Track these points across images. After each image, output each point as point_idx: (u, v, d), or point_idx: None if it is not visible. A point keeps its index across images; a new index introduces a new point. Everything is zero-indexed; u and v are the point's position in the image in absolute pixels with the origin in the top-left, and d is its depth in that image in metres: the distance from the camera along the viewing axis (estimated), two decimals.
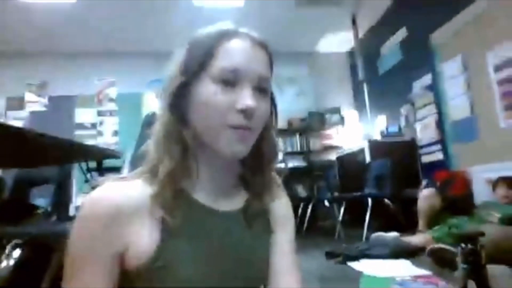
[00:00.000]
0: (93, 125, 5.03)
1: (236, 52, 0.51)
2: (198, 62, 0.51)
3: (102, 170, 1.85)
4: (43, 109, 4.93)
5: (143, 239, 0.48)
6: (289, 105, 5.44)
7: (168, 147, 0.51)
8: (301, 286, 0.62)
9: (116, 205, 0.47)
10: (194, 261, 0.50)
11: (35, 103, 4.93)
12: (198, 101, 0.51)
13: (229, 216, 0.56)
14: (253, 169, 0.59)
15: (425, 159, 3.74)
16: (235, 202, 0.58)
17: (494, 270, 1.39)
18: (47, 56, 4.96)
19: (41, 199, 3.26)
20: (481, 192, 2.86)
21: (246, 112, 0.50)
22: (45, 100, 4.96)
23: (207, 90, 0.50)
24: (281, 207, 0.63)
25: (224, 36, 0.52)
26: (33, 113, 4.89)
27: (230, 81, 0.50)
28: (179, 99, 0.52)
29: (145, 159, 0.54)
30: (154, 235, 0.48)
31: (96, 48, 5.01)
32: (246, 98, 0.50)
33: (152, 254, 0.47)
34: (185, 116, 0.53)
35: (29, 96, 4.93)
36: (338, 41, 5.40)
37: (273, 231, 0.62)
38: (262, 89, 0.53)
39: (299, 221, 4.08)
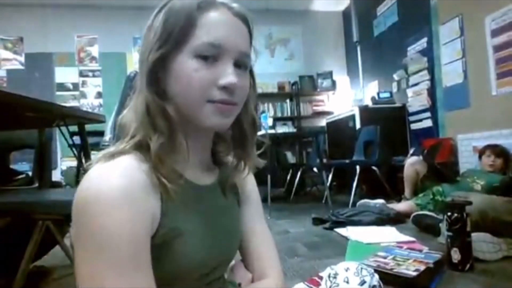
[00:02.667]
0: (75, 86, 4.81)
1: (217, 25, 0.49)
2: (178, 34, 0.48)
3: (84, 135, 1.76)
4: (20, 67, 4.66)
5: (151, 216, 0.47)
6: (280, 68, 5.30)
7: (154, 123, 0.49)
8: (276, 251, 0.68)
9: (130, 183, 0.44)
10: (192, 237, 0.51)
11: (11, 61, 4.64)
12: (178, 76, 0.49)
13: (211, 189, 0.59)
14: (234, 142, 0.61)
15: (415, 126, 3.75)
16: (211, 176, 0.61)
17: (472, 236, 1.42)
18: (21, 8, 4.60)
19: (24, 164, 3.18)
20: (468, 161, 2.92)
21: (228, 89, 0.50)
22: (21, 58, 4.67)
23: (188, 66, 0.49)
24: (247, 181, 0.67)
25: (204, 6, 0.49)
26: (10, 71, 4.63)
27: (211, 56, 0.49)
28: (158, 73, 0.51)
29: (124, 131, 0.52)
30: (156, 213, 0.47)
31: (75, 0, 4.64)
32: (229, 75, 0.49)
33: (155, 231, 0.47)
34: (165, 89, 0.52)
35: (4, 53, 4.62)
36: None
37: (242, 204, 0.66)
38: (242, 64, 0.52)
39: (287, 187, 4.14)
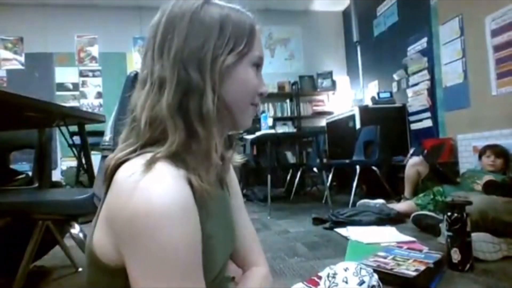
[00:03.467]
0: (75, 86, 4.81)
1: (260, 42, 0.57)
2: (244, 45, 0.53)
3: (84, 135, 1.76)
4: (20, 67, 4.66)
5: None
6: (280, 68, 5.30)
7: (214, 127, 0.50)
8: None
9: (185, 195, 0.44)
10: (217, 239, 0.53)
11: (11, 61, 4.64)
12: (239, 80, 0.53)
13: (216, 187, 0.61)
14: (227, 141, 0.65)
15: (415, 126, 3.75)
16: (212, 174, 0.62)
17: (472, 236, 1.42)
18: (21, 8, 4.60)
19: (24, 164, 3.18)
20: (468, 161, 2.92)
21: (262, 95, 0.59)
22: (21, 58, 4.67)
23: (249, 72, 0.55)
24: (232, 175, 0.71)
25: (255, 23, 0.56)
26: (10, 71, 4.63)
27: (258, 67, 0.57)
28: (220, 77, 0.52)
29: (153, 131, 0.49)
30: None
31: (75, 0, 4.65)
32: (264, 85, 0.59)
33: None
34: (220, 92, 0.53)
35: (4, 53, 4.62)
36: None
37: (231, 197, 0.69)
38: None
39: (287, 187, 4.14)
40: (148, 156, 0.46)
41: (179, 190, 0.44)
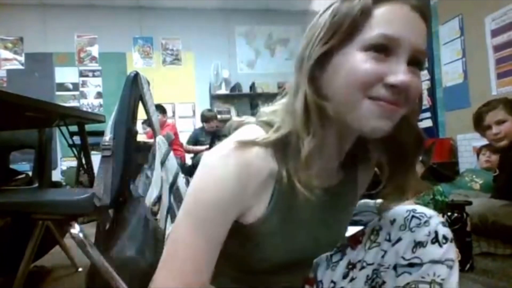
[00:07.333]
0: (75, 86, 4.81)
1: (394, 18, 0.44)
2: (349, 25, 0.45)
3: (84, 135, 1.76)
4: (20, 67, 4.66)
5: (259, 206, 0.49)
6: (280, 68, 5.30)
7: (310, 123, 0.47)
8: None
9: (257, 172, 0.47)
10: (276, 239, 0.52)
11: (11, 61, 4.64)
12: (340, 68, 0.46)
13: (326, 191, 0.54)
14: (391, 167, 0.55)
15: None
16: (332, 179, 0.57)
17: None
18: (21, 8, 4.60)
19: (24, 164, 3.18)
20: (467, 161, 2.92)
21: (398, 88, 0.44)
22: (21, 58, 4.67)
23: (354, 56, 0.44)
24: (366, 177, 0.65)
25: (377, 3, 0.45)
26: (10, 71, 4.63)
27: (383, 49, 0.44)
28: (318, 70, 0.48)
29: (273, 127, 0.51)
30: (263, 205, 0.50)
31: (75, 0, 4.65)
32: (400, 73, 0.43)
33: (256, 220, 0.49)
34: (323, 88, 0.48)
35: (4, 53, 4.62)
36: None
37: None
38: (417, 63, 0.46)
39: None
40: (255, 133, 0.49)
41: (255, 168, 0.47)
